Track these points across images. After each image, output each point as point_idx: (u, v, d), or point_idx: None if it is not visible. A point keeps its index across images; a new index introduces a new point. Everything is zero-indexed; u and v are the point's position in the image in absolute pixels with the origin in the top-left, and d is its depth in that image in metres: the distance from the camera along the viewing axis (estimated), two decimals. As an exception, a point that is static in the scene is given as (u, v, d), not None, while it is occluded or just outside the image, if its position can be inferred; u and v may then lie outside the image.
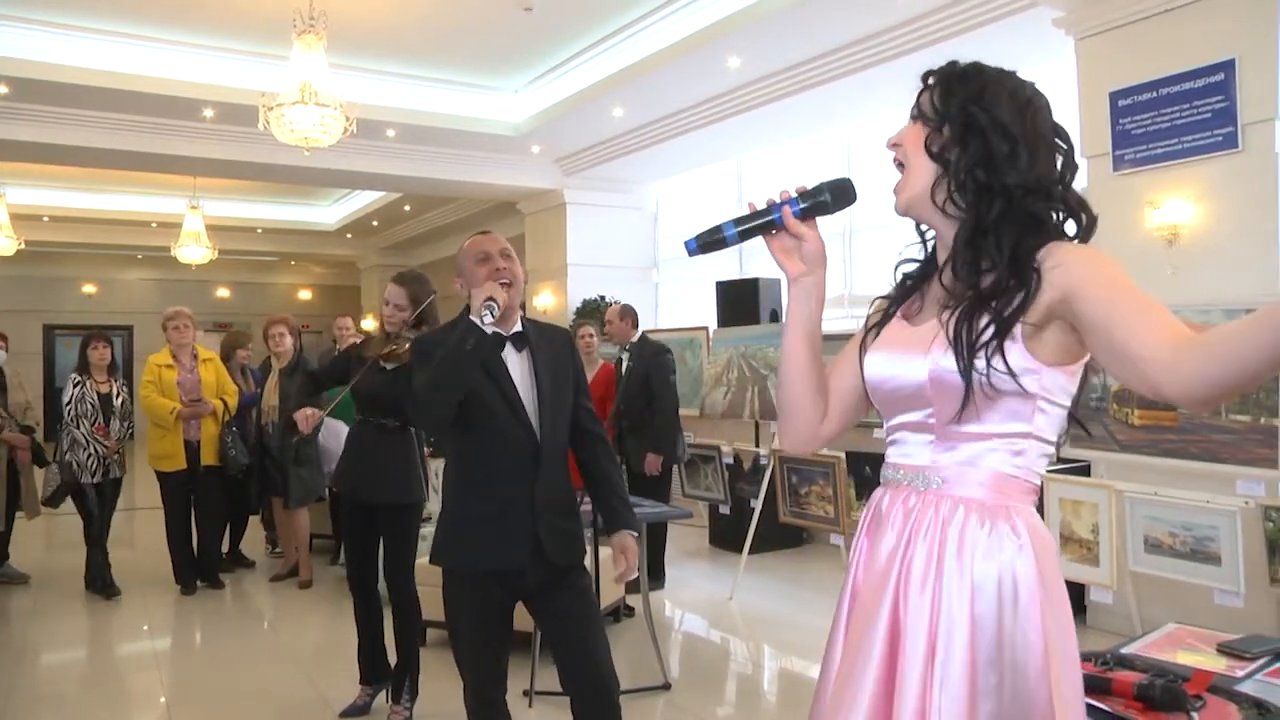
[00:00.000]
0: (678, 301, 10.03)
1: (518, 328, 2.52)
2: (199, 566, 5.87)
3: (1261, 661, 2.04)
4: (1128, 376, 1.21)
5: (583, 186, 9.81)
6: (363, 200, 13.09)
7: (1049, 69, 5.47)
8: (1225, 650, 2.12)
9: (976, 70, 1.38)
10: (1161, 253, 4.59)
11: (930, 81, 1.41)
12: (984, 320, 1.29)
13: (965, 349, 1.29)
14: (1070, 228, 1.38)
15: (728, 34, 6.15)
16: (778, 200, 1.44)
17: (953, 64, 1.41)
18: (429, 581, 4.44)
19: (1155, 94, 4.64)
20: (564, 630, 2.51)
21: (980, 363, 1.28)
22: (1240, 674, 1.97)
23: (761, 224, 1.45)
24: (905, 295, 1.49)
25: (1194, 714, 1.68)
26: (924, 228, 1.48)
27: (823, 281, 1.48)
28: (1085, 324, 1.24)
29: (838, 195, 1.43)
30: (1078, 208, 1.37)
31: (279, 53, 6.56)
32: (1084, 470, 4.59)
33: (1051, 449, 1.37)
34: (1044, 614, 1.28)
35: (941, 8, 5.53)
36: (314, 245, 15.86)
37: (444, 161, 9.13)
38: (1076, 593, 4.74)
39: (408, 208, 12.95)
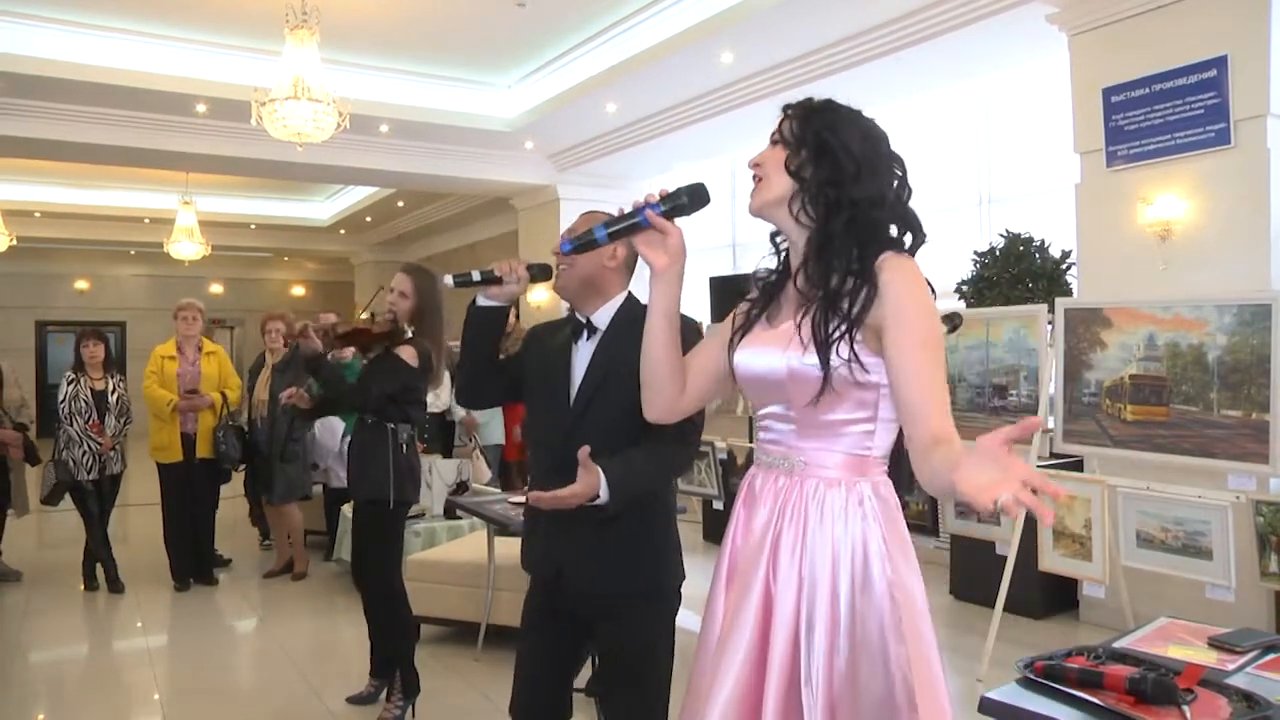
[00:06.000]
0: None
1: (599, 314, 2.17)
2: (196, 563, 5.85)
3: (1252, 655, 2.05)
4: (901, 422, 1.46)
5: (576, 182, 9.79)
6: (356, 196, 13.06)
7: (1042, 65, 5.47)
8: (1216, 644, 2.13)
9: (829, 105, 1.61)
10: (1154, 249, 4.60)
11: (789, 113, 1.62)
12: (835, 319, 1.49)
13: (820, 345, 1.48)
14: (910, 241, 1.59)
15: (721, 30, 6.14)
16: (642, 203, 1.61)
17: (809, 99, 1.63)
18: (420, 578, 4.47)
19: (1148, 90, 4.65)
20: (602, 682, 2.24)
21: (834, 357, 1.47)
22: (1231, 667, 1.98)
23: (629, 225, 1.62)
24: (767, 301, 1.68)
25: (1185, 707, 1.69)
26: (780, 239, 1.68)
27: (682, 273, 1.66)
28: (886, 355, 1.46)
29: (694, 198, 1.61)
30: (914, 223, 1.59)
31: (272, 48, 6.53)
32: (1077, 465, 4.60)
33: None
34: (891, 575, 1.48)
35: (935, 3, 5.51)
36: (307, 241, 15.83)
37: (437, 157, 9.11)
38: (1069, 587, 4.76)
39: (401, 203, 12.92)
